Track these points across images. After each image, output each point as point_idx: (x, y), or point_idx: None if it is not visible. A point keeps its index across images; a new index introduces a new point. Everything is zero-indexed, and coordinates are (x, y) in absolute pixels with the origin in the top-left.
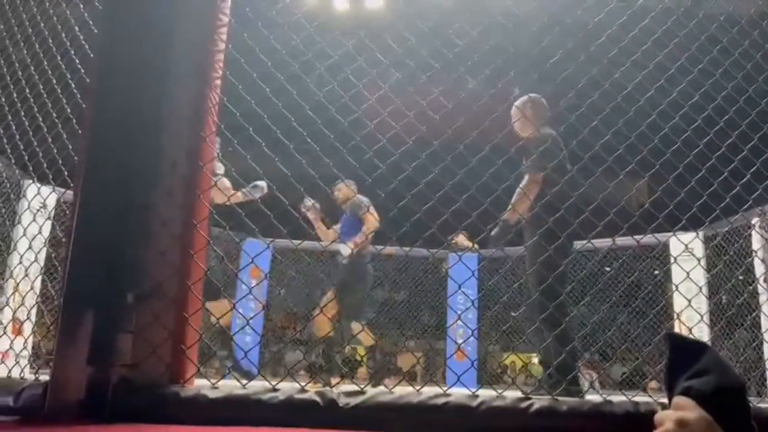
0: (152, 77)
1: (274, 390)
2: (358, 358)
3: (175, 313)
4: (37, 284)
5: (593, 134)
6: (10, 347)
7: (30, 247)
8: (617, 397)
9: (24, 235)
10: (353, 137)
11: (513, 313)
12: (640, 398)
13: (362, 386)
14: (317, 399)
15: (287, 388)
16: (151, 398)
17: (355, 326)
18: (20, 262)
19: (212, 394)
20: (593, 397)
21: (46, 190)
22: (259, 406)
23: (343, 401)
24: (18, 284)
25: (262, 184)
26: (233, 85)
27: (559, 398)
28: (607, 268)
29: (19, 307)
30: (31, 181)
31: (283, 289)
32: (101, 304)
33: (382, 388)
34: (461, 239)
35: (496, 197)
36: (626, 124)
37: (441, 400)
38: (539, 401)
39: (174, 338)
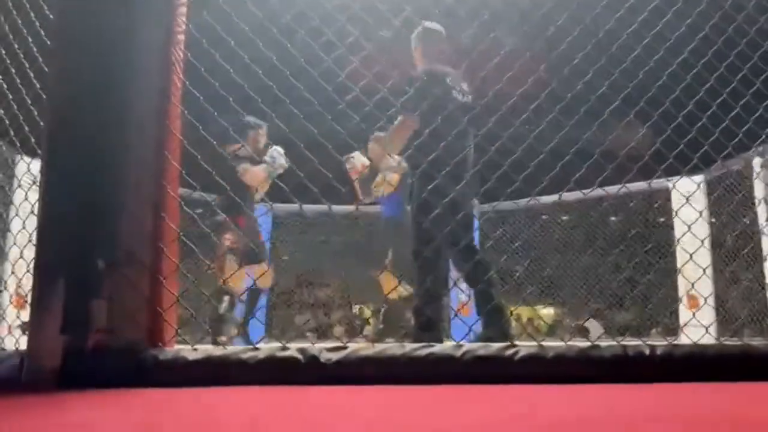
0: (117, 40)
1: (255, 349)
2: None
3: (149, 277)
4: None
5: (588, 86)
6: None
7: (24, 228)
8: (605, 342)
9: (17, 214)
10: (338, 102)
11: (518, 267)
12: (628, 342)
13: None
14: (298, 356)
15: (268, 347)
16: (129, 362)
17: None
18: (14, 244)
19: (192, 356)
20: (580, 343)
21: (36, 164)
22: (240, 365)
23: (324, 357)
24: (15, 262)
25: (279, 151)
26: (211, 54)
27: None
28: (613, 218)
29: (20, 281)
30: (20, 156)
31: (285, 256)
32: (72, 272)
33: (364, 343)
34: None
35: (489, 157)
36: (623, 73)
37: (424, 352)
38: (525, 348)
39: (150, 302)
